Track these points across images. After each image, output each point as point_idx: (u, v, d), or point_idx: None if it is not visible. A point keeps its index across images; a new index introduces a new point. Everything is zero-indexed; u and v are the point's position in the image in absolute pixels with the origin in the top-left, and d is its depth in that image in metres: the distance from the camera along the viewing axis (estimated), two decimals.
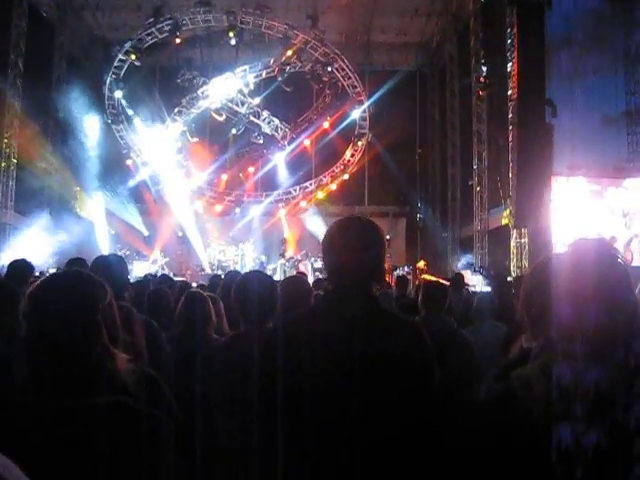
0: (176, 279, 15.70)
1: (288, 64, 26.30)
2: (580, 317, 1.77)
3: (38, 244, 20.83)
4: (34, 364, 1.99)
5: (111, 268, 3.94)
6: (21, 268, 6.03)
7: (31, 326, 2.02)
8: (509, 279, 12.35)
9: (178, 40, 24.59)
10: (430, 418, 2.36)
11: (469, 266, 22.95)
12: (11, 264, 6.19)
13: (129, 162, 26.06)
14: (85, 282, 2.13)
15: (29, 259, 6.41)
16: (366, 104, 26.55)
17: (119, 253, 19.81)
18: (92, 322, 2.03)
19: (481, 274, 20.12)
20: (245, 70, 26.75)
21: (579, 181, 19.04)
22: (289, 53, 25.52)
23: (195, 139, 26.51)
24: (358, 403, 2.26)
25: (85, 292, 2.08)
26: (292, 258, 23.20)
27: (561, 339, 1.80)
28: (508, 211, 19.71)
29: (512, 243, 19.80)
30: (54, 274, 2.35)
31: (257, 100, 27.25)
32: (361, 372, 2.28)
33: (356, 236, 2.53)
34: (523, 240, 19.40)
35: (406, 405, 2.31)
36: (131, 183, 26.21)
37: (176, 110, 26.08)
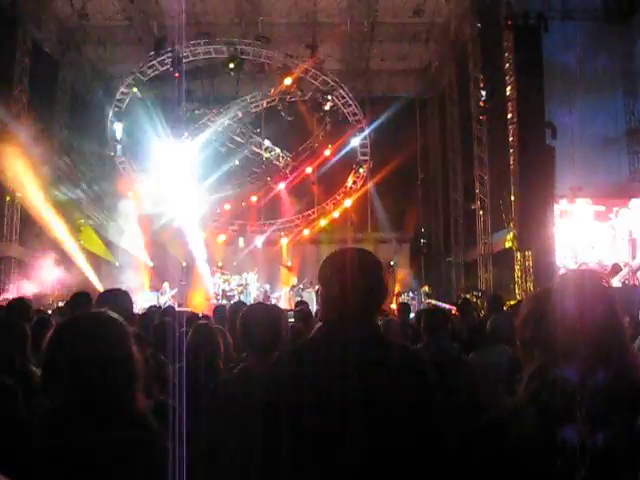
0: (180, 309, 15.73)
1: (288, 93, 26.47)
2: (569, 344, 1.81)
3: (43, 278, 20.88)
4: (61, 396, 2.03)
5: (117, 302, 3.97)
6: (20, 307, 6.07)
7: (60, 361, 2.06)
8: (511, 304, 12.24)
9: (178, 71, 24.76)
10: (432, 449, 2.34)
11: (469, 290, 22.98)
12: (10, 304, 6.23)
13: (130, 194, 26.16)
14: (113, 322, 2.21)
15: (28, 296, 6.45)
16: (367, 131, 26.67)
17: (122, 287, 19.82)
18: (120, 361, 2.10)
19: (477, 297, 20.12)
20: (246, 100, 26.97)
21: (582, 203, 19.07)
22: (288, 82, 25.66)
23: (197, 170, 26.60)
24: (362, 435, 2.25)
25: (113, 332, 2.16)
26: (295, 286, 23.21)
27: (551, 364, 1.83)
28: (511, 234, 19.71)
29: (516, 266, 19.77)
30: (81, 315, 2.39)
31: (258, 130, 27.44)
32: (366, 406, 2.27)
33: (354, 266, 2.52)
34: (527, 263, 19.37)
35: (410, 437, 2.29)
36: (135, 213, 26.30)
37: (179, 141, 26.21)
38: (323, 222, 27.56)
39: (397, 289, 24.88)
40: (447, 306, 16.62)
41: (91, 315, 2.35)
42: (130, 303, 4.51)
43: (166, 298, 23.11)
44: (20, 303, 6.19)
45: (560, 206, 18.97)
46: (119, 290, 4.92)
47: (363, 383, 2.29)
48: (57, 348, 2.09)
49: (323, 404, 2.29)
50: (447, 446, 2.32)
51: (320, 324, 2.85)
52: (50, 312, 11.83)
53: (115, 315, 2.27)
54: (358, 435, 2.24)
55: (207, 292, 24.57)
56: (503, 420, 1.88)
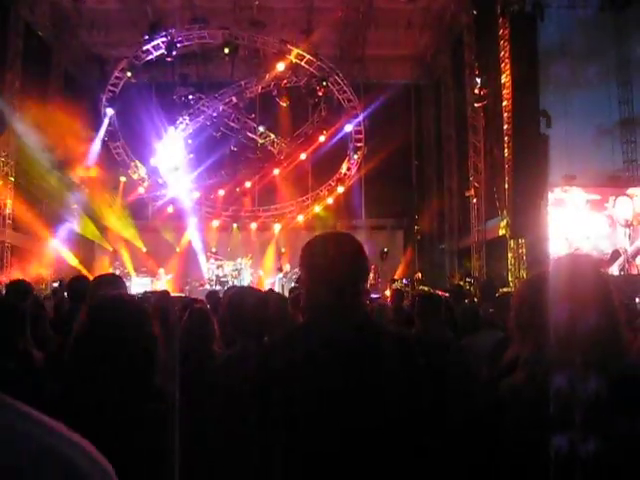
0: (175, 295, 15.73)
1: (283, 79, 26.41)
2: (567, 326, 1.83)
3: (38, 262, 20.88)
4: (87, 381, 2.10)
5: (115, 287, 3.99)
6: (19, 289, 6.06)
7: (89, 340, 2.18)
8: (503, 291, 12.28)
9: (172, 56, 24.67)
10: (426, 432, 2.36)
11: (462, 277, 23.06)
12: (9, 285, 6.22)
13: (123, 179, 26.13)
14: (139, 305, 2.41)
15: (27, 279, 6.44)
16: (362, 117, 26.62)
17: (116, 272, 19.88)
18: (146, 339, 2.24)
19: (470, 284, 20.18)
20: (240, 86, 26.91)
21: (577, 191, 19.10)
22: (282, 67, 25.60)
23: (191, 155, 26.53)
24: (352, 421, 2.26)
25: (141, 313, 2.33)
26: (289, 272, 23.23)
27: (555, 347, 1.85)
28: (505, 222, 19.75)
29: (509, 254, 19.83)
30: (106, 297, 2.51)
31: (253, 115, 27.40)
32: (355, 391, 2.28)
33: (332, 250, 2.51)
34: (520, 251, 19.43)
35: (402, 420, 2.29)
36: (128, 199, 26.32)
37: (173, 126, 26.17)
38: (317, 208, 27.55)
39: (396, 275, 24.98)
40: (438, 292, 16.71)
41: (122, 298, 2.44)
42: (125, 288, 4.54)
43: (161, 284, 23.14)
44: (20, 285, 6.18)
45: (554, 195, 19.00)
46: (113, 275, 4.95)
47: (348, 368, 2.30)
48: (92, 328, 2.19)
49: (311, 390, 2.30)
50: (441, 429, 2.34)
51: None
52: (43, 296, 11.85)
53: (134, 297, 2.37)
54: (348, 421, 2.25)
55: (202, 277, 24.60)
56: (503, 398, 1.91)
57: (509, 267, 19.85)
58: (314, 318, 2.57)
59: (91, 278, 5.26)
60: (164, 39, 24.12)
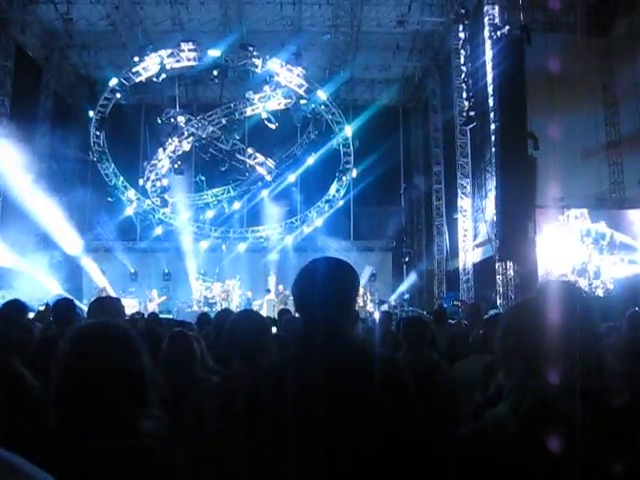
0: (164, 316, 15.67)
1: (272, 101, 26.49)
2: (549, 354, 1.83)
3: (27, 282, 20.75)
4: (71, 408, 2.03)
5: (115, 311, 4.01)
6: (15, 309, 6.00)
7: (78, 370, 2.06)
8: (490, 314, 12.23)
9: (161, 78, 24.76)
10: (412, 455, 2.36)
11: (448, 300, 23.05)
12: (5, 305, 6.16)
13: (111, 200, 26.08)
14: (128, 333, 2.21)
15: (20, 299, 6.36)
16: (350, 139, 26.73)
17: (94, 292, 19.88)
18: (136, 372, 2.12)
19: (455, 307, 20.16)
20: (229, 107, 27.01)
21: (564, 213, 19.16)
22: (271, 89, 25.76)
23: (180, 176, 26.53)
24: (340, 445, 2.26)
25: (129, 343, 2.17)
26: (281, 293, 23.16)
27: (532, 375, 1.85)
28: (493, 244, 19.79)
29: (497, 276, 19.85)
30: (92, 324, 2.35)
31: (241, 137, 27.50)
32: (342, 416, 2.28)
33: (323, 277, 2.53)
34: (509, 273, 19.45)
35: (389, 445, 2.29)
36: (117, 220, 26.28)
37: (162, 148, 26.20)
38: (306, 230, 27.54)
39: (384, 297, 25.01)
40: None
41: (108, 325, 2.34)
42: (123, 311, 4.53)
43: (154, 305, 23.07)
44: (16, 304, 6.11)
45: (542, 217, 19.05)
46: (112, 298, 4.93)
47: (334, 393, 2.29)
48: (75, 357, 2.08)
49: (298, 415, 2.29)
50: (426, 454, 2.34)
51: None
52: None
53: (127, 326, 2.28)
54: (336, 445, 2.25)
55: (190, 299, 24.52)
56: (485, 431, 1.89)
57: (497, 289, 19.85)
58: (301, 344, 2.60)
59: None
60: (154, 61, 24.21)
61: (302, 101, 26.07)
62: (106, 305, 4.30)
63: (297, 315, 2.70)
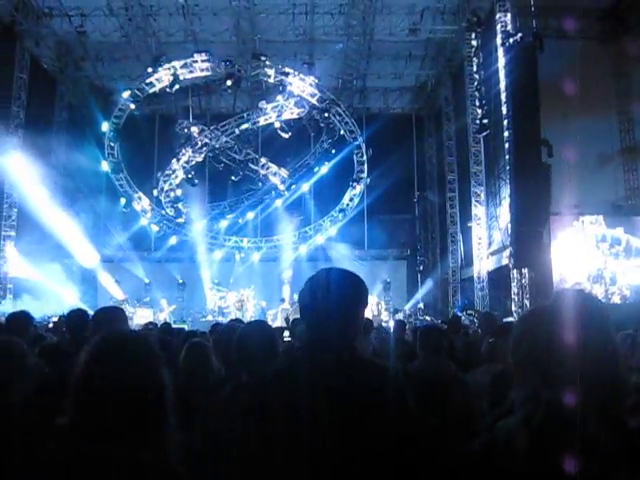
0: (177, 326, 15.67)
1: (285, 110, 26.55)
2: (563, 364, 1.78)
3: (41, 293, 20.87)
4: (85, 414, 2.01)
5: (117, 321, 4.00)
6: (20, 320, 6.01)
7: (89, 378, 2.04)
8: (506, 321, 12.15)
9: (175, 88, 24.88)
10: (418, 465, 2.33)
11: (461, 308, 22.94)
12: (10, 316, 6.17)
13: (125, 210, 26.16)
14: (148, 345, 2.21)
15: (27, 310, 6.37)
16: (364, 148, 26.74)
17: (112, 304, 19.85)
18: (152, 384, 2.09)
19: (469, 315, 20.04)
20: (242, 117, 27.09)
21: (579, 221, 19.06)
22: (284, 99, 25.84)
23: (195, 186, 26.61)
24: (341, 459, 2.24)
25: (149, 355, 2.15)
26: (295, 303, 23.07)
27: (545, 386, 1.80)
28: (507, 252, 19.69)
29: (513, 284, 19.73)
30: (113, 335, 2.31)
31: (255, 147, 27.57)
32: (340, 428, 2.26)
33: (330, 288, 2.52)
34: (524, 281, 19.33)
35: (389, 452, 2.27)
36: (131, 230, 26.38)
37: (176, 158, 26.31)
38: (320, 239, 27.49)
39: (398, 306, 24.94)
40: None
41: (129, 336, 2.31)
42: (126, 321, 4.53)
43: (164, 315, 23.12)
44: (21, 315, 6.12)
45: (557, 223, 18.96)
46: (116, 308, 4.92)
47: (332, 406, 2.29)
48: (95, 368, 2.04)
49: (298, 428, 2.29)
50: (437, 467, 2.31)
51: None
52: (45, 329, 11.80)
53: (147, 337, 2.25)
54: (340, 458, 2.24)
55: (205, 308, 24.55)
56: (495, 445, 1.85)
57: (512, 297, 19.74)
58: (303, 354, 2.61)
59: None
60: (167, 72, 24.35)
61: (315, 110, 26.14)
62: (111, 316, 4.28)
63: None
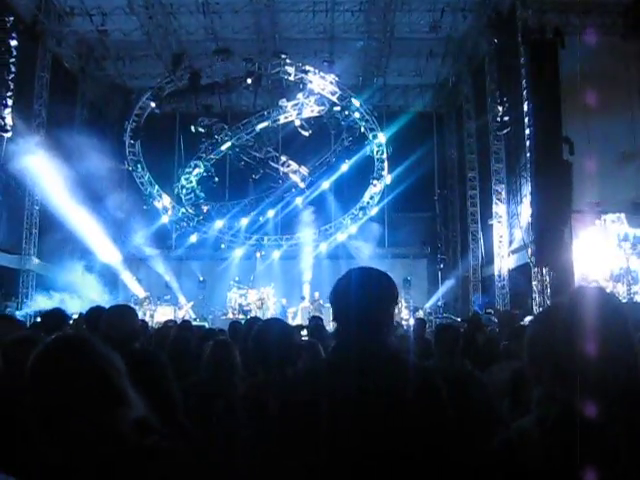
0: (197, 324, 15.74)
1: (306, 108, 26.56)
2: (579, 363, 1.74)
3: (63, 291, 21.01)
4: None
5: (122, 320, 4.03)
6: (55, 317, 6.04)
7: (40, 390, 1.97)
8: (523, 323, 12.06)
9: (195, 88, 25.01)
10: (446, 463, 2.32)
11: (481, 307, 22.82)
12: (45, 314, 6.20)
13: (146, 207, 26.28)
14: (94, 346, 2.09)
15: (61, 307, 6.41)
16: (384, 146, 26.69)
17: (130, 303, 19.96)
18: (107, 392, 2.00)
19: (488, 314, 19.91)
20: (263, 115, 27.13)
21: (601, 218, 18.86)
22: (305, 97, 25.87)
23: (214, 184, 26.71)
24: (377, 455, 2.24)
25: (93, 357, 2.04)
26: (316, 301, 23.07)
27: (561, 384, 1.77)
28: (529, 250, 19.57)
29: (534, 282, 19.61)
30: (59, 339, 2.19)
31: (275, 145, 27.60)
32: (375, 423, 2.27)
33: (359, 287, 2.52)
34: (545, 279, 19.19)
35: (424, 454, 2.27)
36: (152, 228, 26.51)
37: (197, 156, 26.42)
38: (340, 237, 27.46)
39: (419, 304, 24.88)
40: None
41: (68, 340, 2.19)
42: (136, 319, 4.54)
43: (183, 312, 23.21)
44: (56, 313, 6.15)
45: (578, 222, 18.79)
46: (124, 307, 4.94)
47: (371, 405, 2.29)
48: (36, 378, 1.98)
49: (330, 427, 2.28)
50: (460, 462, 2.30)
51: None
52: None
53: (95, 339, 2.19)
54: (373, 455, 2.24)
55: (225, 306, 24.61)
56: (512, 443, 1.83)
57: (533, 295, 19.61)
58: (335, 352, 2.62)
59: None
60: (188, 70, 24.45)
61: (336, 108, 26.15)
62: (121, 313, 4.32)
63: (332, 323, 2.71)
